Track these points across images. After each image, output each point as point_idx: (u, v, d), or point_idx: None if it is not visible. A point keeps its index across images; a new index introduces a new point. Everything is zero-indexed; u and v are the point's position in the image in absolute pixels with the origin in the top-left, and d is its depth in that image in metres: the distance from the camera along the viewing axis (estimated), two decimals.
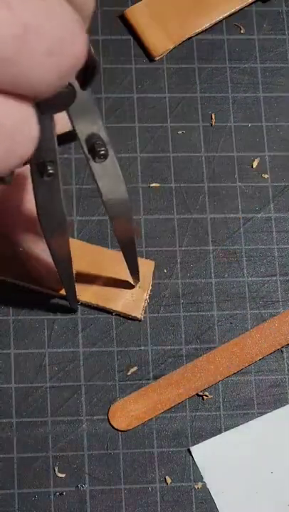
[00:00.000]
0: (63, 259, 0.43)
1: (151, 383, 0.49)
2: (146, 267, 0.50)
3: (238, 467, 0.49)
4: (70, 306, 0.49)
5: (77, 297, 0.49)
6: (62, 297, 0.49)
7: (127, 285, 0.50)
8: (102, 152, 0.36)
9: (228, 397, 0.50)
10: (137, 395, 0.49)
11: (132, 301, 0.50)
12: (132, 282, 0.49)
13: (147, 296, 0.50)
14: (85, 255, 0.50)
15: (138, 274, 0.48)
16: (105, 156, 0.37)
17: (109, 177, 0.38)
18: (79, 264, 0.49)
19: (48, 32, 0.22)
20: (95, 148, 0.36)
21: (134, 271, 0.47)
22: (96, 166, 0.38)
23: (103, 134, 0.36)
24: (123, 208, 0.40)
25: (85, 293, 0.49)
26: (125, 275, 0.49)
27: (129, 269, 0.47)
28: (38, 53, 0.22)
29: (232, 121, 0.54)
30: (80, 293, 0.49)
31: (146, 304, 0.50)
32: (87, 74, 0.29)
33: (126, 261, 0.46)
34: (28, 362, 0.49)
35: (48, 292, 0.49)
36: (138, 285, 0.50)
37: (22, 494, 0.47)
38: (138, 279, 0.49)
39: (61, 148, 0.36)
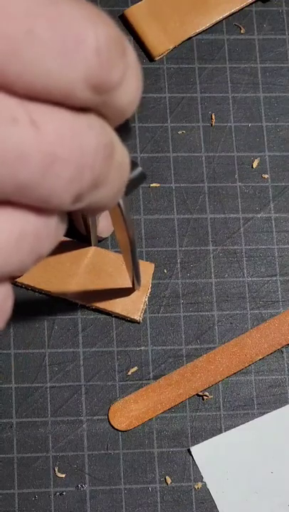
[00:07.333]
0: None
1: (151, 383, 0.49)
2: (145, 269, 0.50)
3: (238, 467, 0.49)
4: (92, 243, 0.49)
5: (76, 300, 0.49)
6: (61, 298, 0.49)
7: (126, 291, 0.49)
8: None
9: (228, 397, 0.50)
10: (137, 395, 0.49)
11: (131, 304, 0.50)
12: (134, 287, 0.49)
13: (146, 299, 0.50)
14: (84, 256, 0.50)
15: (139, 279, 0.48)
16: None
17: None
18: (78, 266, 0.49)
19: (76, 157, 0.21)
20: None
21: (136, 276, 0.47)
22: None
23: None
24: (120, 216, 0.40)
25: (84, 295, 0.49)
26: (126, 278, 0.49)
27: (130, 273, 0.47)
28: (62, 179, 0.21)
29: (232, 121, 0.54)
30: (79, 295, 0.49)
31: (145, 306, 0.50)
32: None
33: (127, 266, 0.46)
34: (28, 362, 0.49)
35: (49, 292, 0.49)
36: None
37: (22, 494, 0.48)
38: (139, 284, 0.49)
39: None
